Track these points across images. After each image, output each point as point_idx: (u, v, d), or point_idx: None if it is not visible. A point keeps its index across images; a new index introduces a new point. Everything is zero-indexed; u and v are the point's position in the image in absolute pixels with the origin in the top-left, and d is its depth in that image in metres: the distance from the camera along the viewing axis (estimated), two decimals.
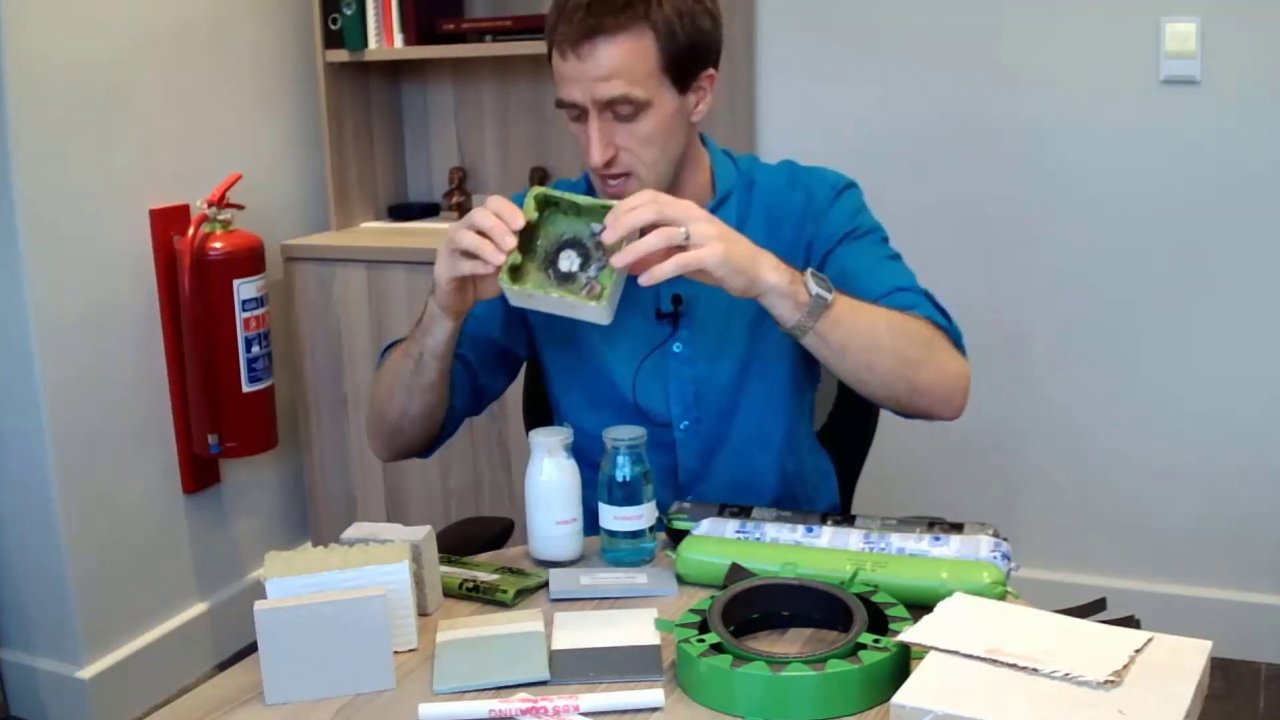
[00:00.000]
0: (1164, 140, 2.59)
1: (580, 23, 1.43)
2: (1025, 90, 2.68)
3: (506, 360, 1.66)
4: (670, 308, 1.58)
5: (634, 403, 1.59)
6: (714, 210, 1.55)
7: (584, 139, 1.47)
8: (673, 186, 1.54)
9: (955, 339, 1.49)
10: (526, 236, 1.34)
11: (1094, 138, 2.64)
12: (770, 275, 1.33)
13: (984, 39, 2.69)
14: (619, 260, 1.29)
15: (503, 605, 1.34)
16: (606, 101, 1.44)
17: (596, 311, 1.33)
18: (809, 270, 1.36)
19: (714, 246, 1.30)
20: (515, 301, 1.37)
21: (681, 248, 1.29)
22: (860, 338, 1.38)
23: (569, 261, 1.34)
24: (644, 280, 1.29)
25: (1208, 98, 2.54)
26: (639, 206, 1.30)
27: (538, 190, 1.36)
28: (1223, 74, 2.52)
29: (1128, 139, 2.62)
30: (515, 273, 1.34)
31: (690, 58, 1.48)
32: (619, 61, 1.43)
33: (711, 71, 1.53)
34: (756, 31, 2.86)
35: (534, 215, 1.35)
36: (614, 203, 1.32)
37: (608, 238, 1.30)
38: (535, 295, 1.34)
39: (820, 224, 1.57)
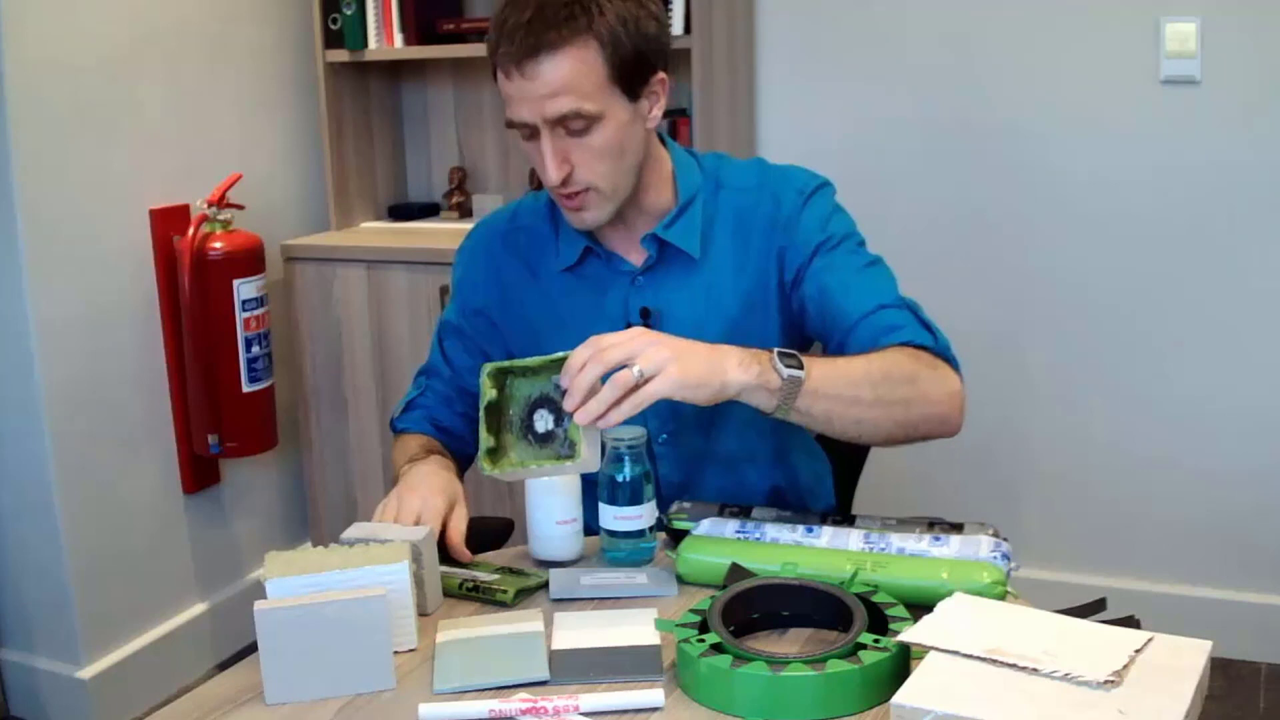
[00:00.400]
0: (1164, 140, 2.59)
1: (522, 41, 1.39)
2: (1025, 90, 2.68)
3: None
4: (639, 321, 1.56)
5: None
6: (678, 216, 1.55)
7: (538, 158, 1.45)
8: (634, 193, 1.52)
9: (943, 353, 1.46)
10: (494, 413, 1.32)
11: (1094, 138, 2.64)
12: (737, 375, 1.29)
13: (984, 39, 2.69)
14: (581, 420, 1.25)
15: (503, 605, 1.34)
16: (557, 118, 1.41)
17: (581, 466, 1.29)
18: (774, 351, 1.32)
19: (668, 373, 1.25)
20: (502, 479, 1.35)
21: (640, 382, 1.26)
22: (842, 401, 1.35)
23: (544, 421, 1.31)
24: (604, 425, 1.26)
25: (1208, 98, 2.54)
26: (586, 363, 1.26)
27: (488, 367, 1.33)
28: (1223, 74, 2.52)
29: (1128, 139, 2.62)
30: (492, 454, 1.31)
31: (638, 65, 1.45)
32: (565, 77, 1.40)
33: (662, 75, 1.49)
34: (756, 31, 2.86)
35: (493, 394, 1.32)
36: (563, 354, 1.28)
37: (568, 405, 1.26)
38: (518, 473, 1.32)
39: (791, 233, 1.54)
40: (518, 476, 1.33)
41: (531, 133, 1.44)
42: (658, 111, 1.51)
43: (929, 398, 1.41)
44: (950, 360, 1.46)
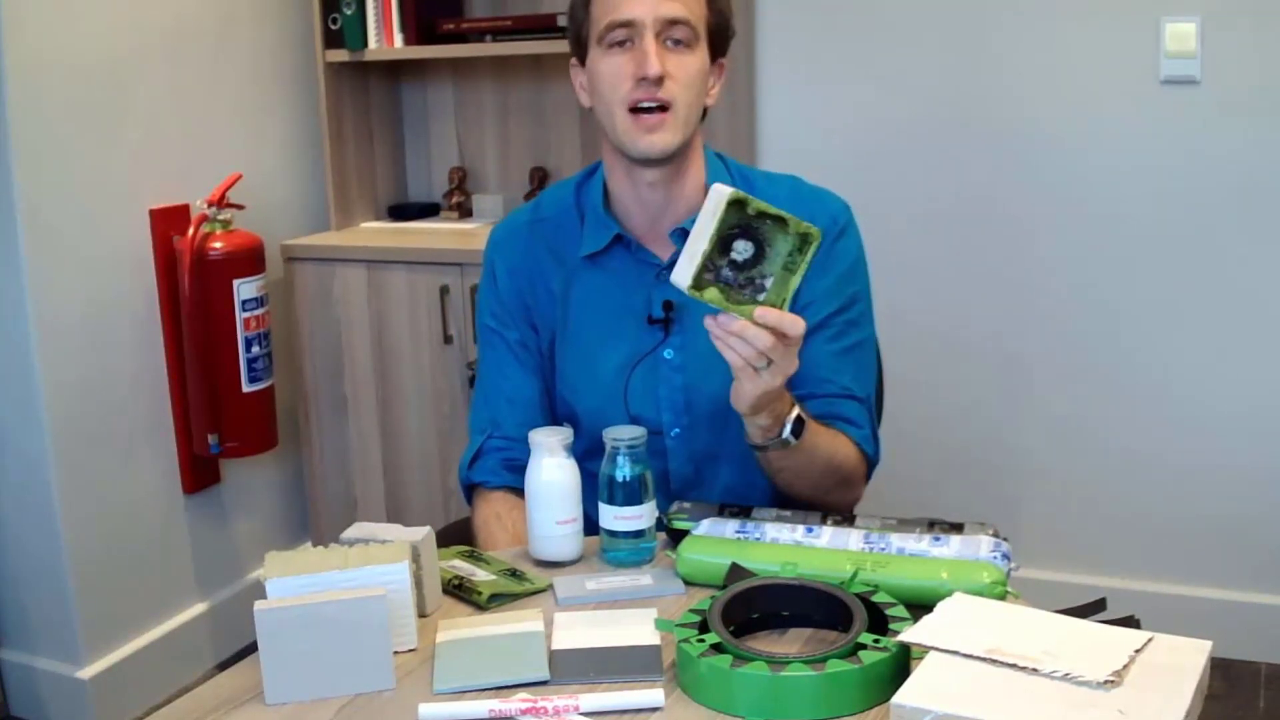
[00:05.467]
0: (1164, 140, 2.59)
1: None
2: (1025, 90, 2.68)
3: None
4: (661, 314, 1.58)
5: (625, 408, 1.59)
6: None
7: (630, 63, 1.48)
8: (674, 173, 1.55)
9: (870, 469, 1.60)
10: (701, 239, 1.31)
11: (1094, 138, 2.64)
12: (765, 419, 1.40)
13: (984, 39, 2.69)
14: (759, 314, 1.29)
15: (478, 607, 1.34)
16: (668, 21, 1.47)
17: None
18: (795, 413, 1.42)
19: (764, 384, 1.33)
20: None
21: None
22: (797, 469, 1.49)
23: (744, 250, 1.31)
24: (710, 325, 1.31)
25: (1208, 98, 2.54)
26: (762, 334, 1.30)
27: (731, 195, 1.30)
28: (1223, 74, 2.52)
29: (1127, 139, 2.62)
30: (697, 279, 1.31)
31: (722, 31, 1.55)
32: None
33: (723, 60, 1.58)
34: (756, 31, 2.85)
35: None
36: (791, 218, 1.30)
37: (763, 316, 1.29)
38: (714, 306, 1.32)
39: (812, 267, 1.57)
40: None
41: (627, 39, 1.49)
42: (716, 91, 1.59)
43: (844, 497, 1.58)
44: (869, 475, 1.61)
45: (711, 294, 1.30)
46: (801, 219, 1.30)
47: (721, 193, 1.28)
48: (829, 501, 1.55)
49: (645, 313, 1.59)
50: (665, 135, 1.50)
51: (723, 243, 1.29)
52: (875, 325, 1.68)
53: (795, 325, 1.30)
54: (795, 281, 1.30)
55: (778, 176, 1.67)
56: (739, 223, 1.29)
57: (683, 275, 1.30)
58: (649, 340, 1.59)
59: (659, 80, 1.47)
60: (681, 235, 1.56)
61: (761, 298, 1.30)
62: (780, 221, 1.30)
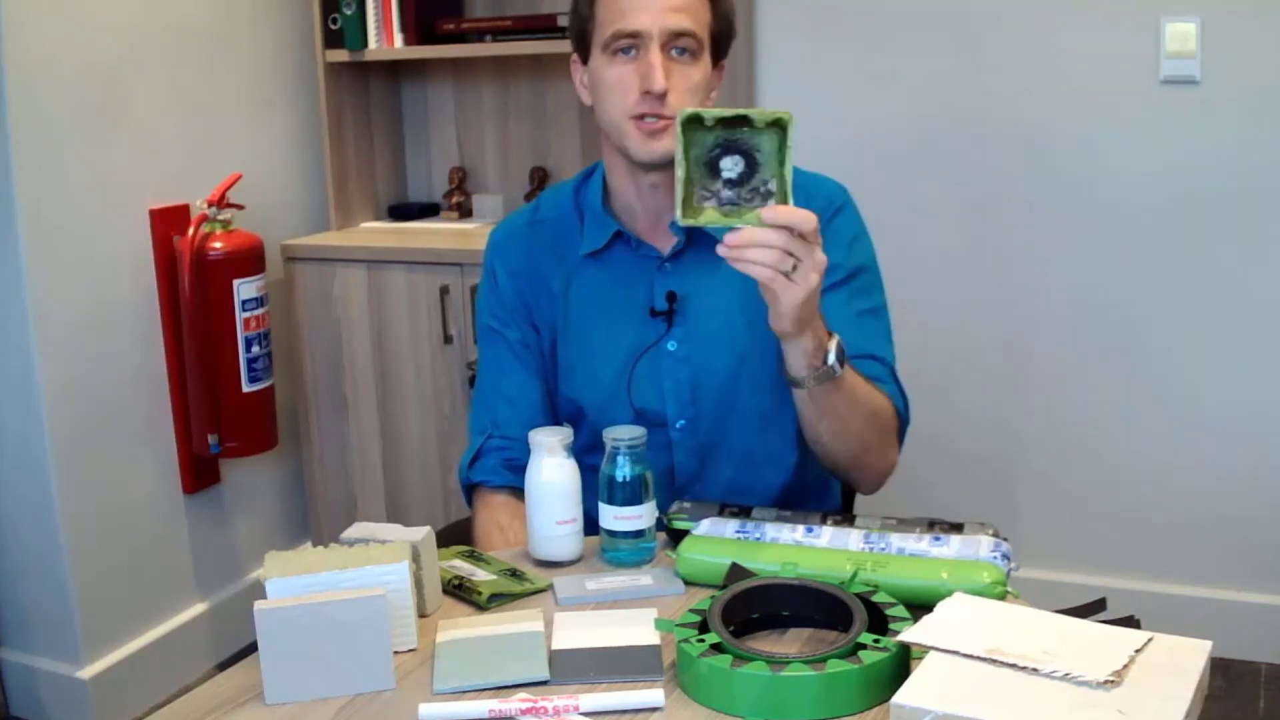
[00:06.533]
0: (1164, 140, 2.59)
1: None
2: (1025, 90, 2.68)
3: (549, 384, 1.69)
4: (665, 305, 1.58)
5: (630, 401, 1.59)
6: None
7: (635, 74, 1.49)
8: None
9: (902, 426, 1.57)
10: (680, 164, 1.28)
11: (1094, 138, 2.64)
12: (807, 341, 1.36)
13: (984, 39, 2.69)
14: (767, 215, 1.25)
15: (478, 607, 1.34)
16: (673, 33, 1.48)
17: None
18: (836, 339, 1.39)
19: (800, 290, 1.29)
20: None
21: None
22: (842, 411, 1.45)
23: (734, 166, 1.29)
24: (723, 251, 1.28)
25: (1208, 98, 2.54)
26: (810, 217, 1.27)
27: (682, 114, 1.28)
28: (1223, 74, 2.52)
29: (1128, 139, 2.62)
30: (685, 204, 1.29)
31: (724, 35, 1.56)
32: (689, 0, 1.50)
33: (723, 63, 1.58)
34: (756, 30, 2.86)
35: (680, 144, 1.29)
36: (752, 111, 1.27)
37: (771, 215, 1.26)
38: (716, 224, 1.29)
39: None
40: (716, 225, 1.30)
41: (632, 47, 1.49)
42: (715, 95, 1.59)
43: (884, 456, 1.56)
44: (902, 436, 1.58)
45: (708, 215, 1.29)
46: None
47: (677, 118, 1.28)
48: (868, 463, 1.54)
49: (647, 305, 1.59)
50: (668, 141, 1.50)
51: (708, 166, 1.27)
52: (886, 296, 1.65)
53: (808, 219, 1.27)
54: (787, 170, 1.28)
55: None
56: (711, 142, 1.27)
57: (676, 212, 1.28)
58: (652, 333, 1.59)
59: (663, 96, 1.48)
60: (682, 227, 1.57)
61: (772, 203, 1.28)
62: (745, 121, 1.27)
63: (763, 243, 1.26)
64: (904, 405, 1.57)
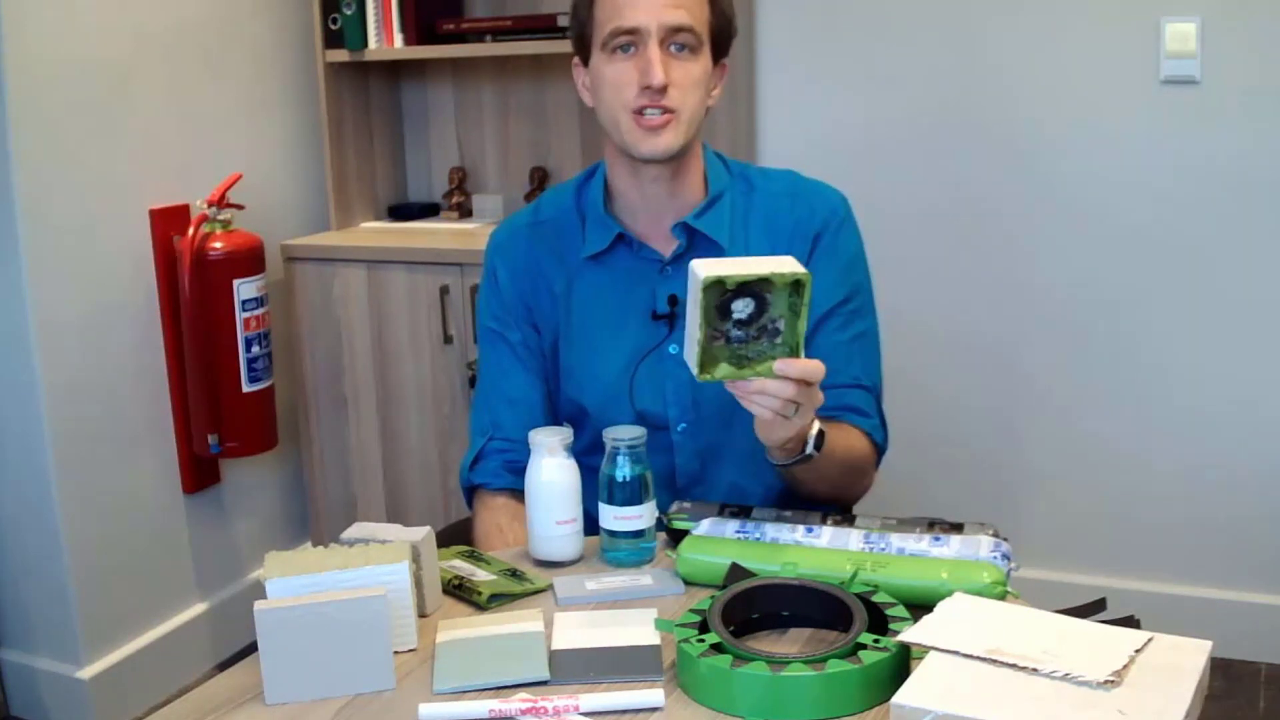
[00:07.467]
0: (1164, 140, 2.59)
1: None
2: (1025, 90, 2.68)
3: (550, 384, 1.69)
4: (666, 309, 1.58)
5: (631, 404, 1.60)
6: (708, 207, 1.60)
7: (635, 70, 1.49)
8: (677, 170, 1.57)
9: (879, 456, 1.62)
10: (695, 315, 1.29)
11: (1094, 138, 2.64)
12: (792, 444, 1.40)
13: (984, 39, 2.69)
14: (779, 368, 1.29)
15: (478, 607, 1.34)
16: (672, 28, 1.48)
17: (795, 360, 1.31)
18: (816, 427, 1.40)
19: (794, 426, 1.35)
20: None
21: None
22: (816, 477, 1.49)
23: (745, 307, 1.29)
24: (731, 389, 1.32)
25: (1208, 98, 2.54)
26: (819, 368, 1.31)
27: (708, 279, 1.27)
28: (1223, 74, 2.52)
29: (1127, 139, 2.62)
30: (702, 361, 1.30)
31: (724, 33, 1.56)
32: None
33: (724, 62, 1.59)
34: (756, 31, 2.86)
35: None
36: (774, 274, 1.27)
37: (784, 368, 1.28)
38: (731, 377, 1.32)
39: (815, 258, 1.59)
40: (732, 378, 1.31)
41: (631, 44, 1.49)
42: (717, 93, 1.59)
43: (852, 492, 1.61)
44: (878, 462, 1.62)
45: (723, 370, 1.30)
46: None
47: (698, 275, 1.27)
48: (844, 496, 1.58)
49: (649, 308, 1.59)
50: (669, 137, 1.51)
51: (720, 310, 1.28)
52: (878, 316, 1.68)
53: (817, 371, 1.31)
54: (802, 325, 1.29)
55: (775, 172, 1.68)
56: (724, 297, 1.28)
57: (691, 364, 1.30)
58: (654, 336, 1.59)
59: (663, 89, 1.48)
60: (683, 229, 1.58)
61: (779, 340, 1.29)
62: (765, 281, 1.28)
63: (774, 393, 1.30)
64: (883, 437, 1.62)
